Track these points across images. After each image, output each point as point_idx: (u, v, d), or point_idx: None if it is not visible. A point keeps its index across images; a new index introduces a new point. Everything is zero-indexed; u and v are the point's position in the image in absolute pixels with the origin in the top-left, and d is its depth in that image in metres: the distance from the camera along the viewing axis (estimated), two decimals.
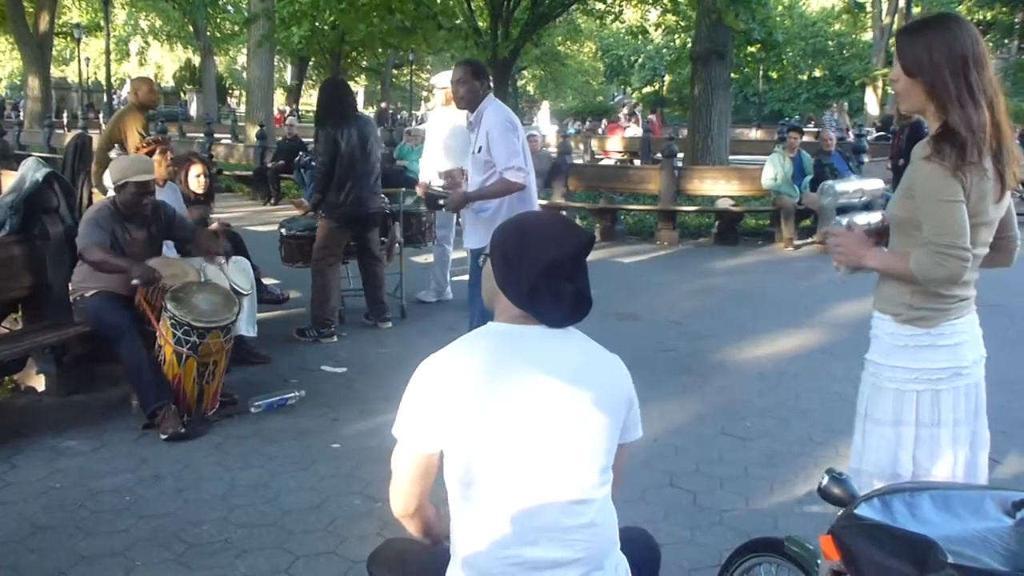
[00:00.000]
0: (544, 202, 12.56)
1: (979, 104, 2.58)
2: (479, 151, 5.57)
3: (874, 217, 3.00)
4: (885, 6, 42.94)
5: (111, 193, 5.65)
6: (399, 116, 36.63)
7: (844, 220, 2.93)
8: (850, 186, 3.07)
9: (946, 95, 2.61)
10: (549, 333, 2.24)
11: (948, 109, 2.62)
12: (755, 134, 35.03)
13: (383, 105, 44.17)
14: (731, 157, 18.26)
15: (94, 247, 5.35)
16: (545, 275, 2.18)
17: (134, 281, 5.27)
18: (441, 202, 5.93)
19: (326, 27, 28.08)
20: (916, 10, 32.35)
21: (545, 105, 40.28)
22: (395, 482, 2.27)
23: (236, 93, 59.68)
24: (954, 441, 2.79)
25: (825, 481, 2.36)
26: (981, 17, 41.63)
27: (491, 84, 5.79)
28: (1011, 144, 2.63)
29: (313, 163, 11.08)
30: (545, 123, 34.89)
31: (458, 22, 22.67)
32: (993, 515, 2.08)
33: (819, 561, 2.45)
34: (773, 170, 12.30)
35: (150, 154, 6.44)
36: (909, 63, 2.68)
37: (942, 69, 2.61)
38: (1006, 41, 44.62)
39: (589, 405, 2.16)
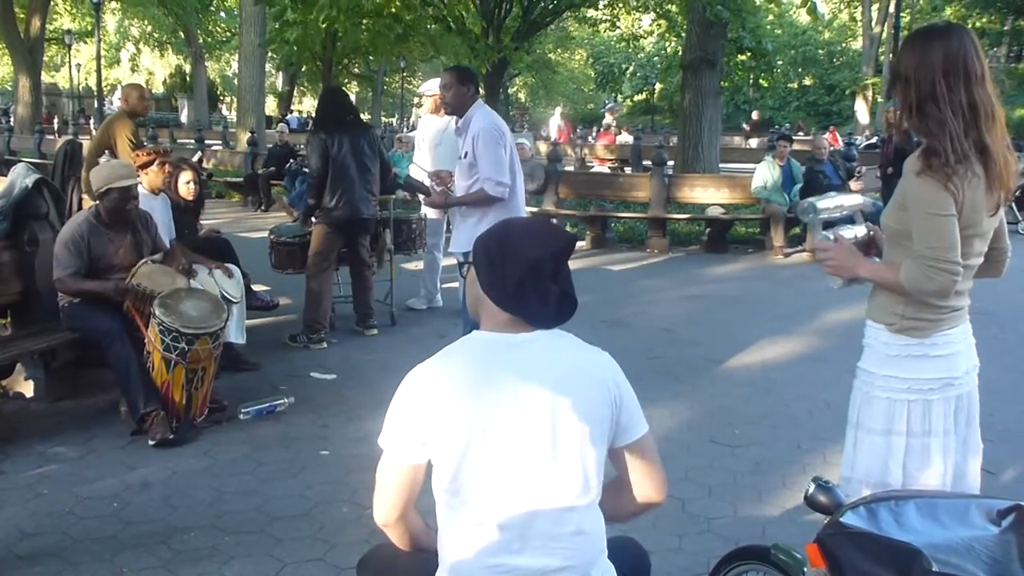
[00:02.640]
0: (534, 209, 12.57)
1: (944, 114, 2.58)
2: (465, 156, 5.59)
3: (859, 230, 3.01)
4: (874, 15, 43.12)
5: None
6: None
7: (831, 234, 2.93)
8: (830, 203, 3.08)
9: (906, 103, 2.65)
10: (534, 339, 2.24)
11: (905, 117, 2.66)
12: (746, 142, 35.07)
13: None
14: (721, 165, 18.29)
15: (66, 279, 5.36)
16: (530, 273, 2.19)
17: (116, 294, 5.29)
18: (422, 198, 5.96)
19: (317, 36, 28.03)
20: (905, 19, 32.50)
21: (557, 111, 40.18)
22: (379, 491, 2.27)
23: (227, 99, 59.65)
24: (944, 451, 2.80)
25: (811, 489, 2.37)
26: (972, 24, 41.77)
27: (479, 90, 5.80)
28: (1000, 159, 2.61)
29: (304, 169, 11.11)
30: (557, 129, 34.85)
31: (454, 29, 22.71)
32: (978, 523, 2.09)
33: (806, 569, 2.47)
34: (763, 178, 12.33)
35: (149, 164, 6.41)
36: (894, 71, 2.73)
37: (911, 78, 2.64)
38: (994, 49, 44.76)
39: (574, 412, 2.16)
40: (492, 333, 2.27)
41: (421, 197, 5.90)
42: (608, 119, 32.72)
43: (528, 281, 2.19)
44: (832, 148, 16.03)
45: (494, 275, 2.24)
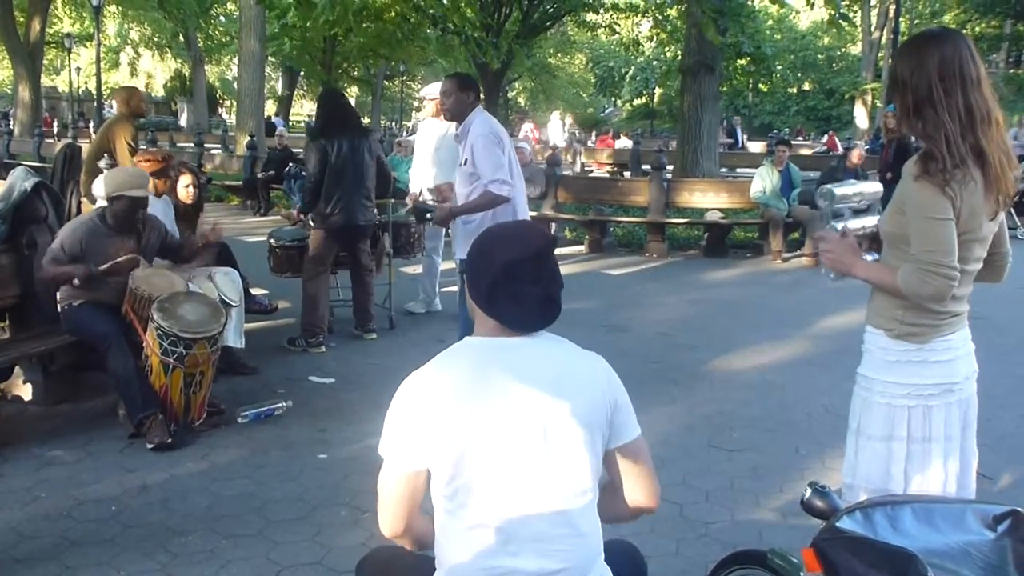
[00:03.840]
0: (533, 214, 12.55)
1: (940, 117, 2.59)
2: (465, 163, 5.59)
3: (869, 222, 2.99)
4: (874, 20, 43.17)
5: (100, 203, 5.63)
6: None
7: (839, 225, 2.92)
8: (849, 190, 3.06)
9: (904, 107, 2.66)
10: (527, 343, 2.25)
11: (903, 121, 2.67)
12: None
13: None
14: (720, 169, 18.31)
15: (45, 265, 5.35)
16: (503, 276, 2.20)
17: (75, 282, 5.26)
18: (428, 216, 5.97)
19: (318, 40, 28.04)
20: (904, 24, 32.51)
21: (555, 115, 40.09)
22: (383, 502, 2.25)
23: (227, 103, 59.67)
24: (945, 456, 2.79)
25: (808, 494, 2.37)
26: (971, 29, 41.79)
27: (479, 96, 5.80)
28: (997, 163, 2.62)
29: (303, 173, 11.11)
30: (556, 134, 34.76)
31: (454, 31, 22.71)
32: (974, 528, 2.09)
33: (802, 574, 2.46)
34: (761, 183, 12.32)
35: (160, 172, 6.41)
36: (892, 77, 2.74)
37: (908, 83, 2.65)
38: (994, 55, 44.79)
39: (569, 414, 2.17)
40: (484, 338, 2.28)
41: (429, 216, 5.93)
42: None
43: (501, 283, 2.20)
44: (832, 153, 16.02)
45: (472, 280, 2.27)
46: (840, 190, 3.03)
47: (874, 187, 3.17)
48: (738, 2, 16.40)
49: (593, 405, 2.23)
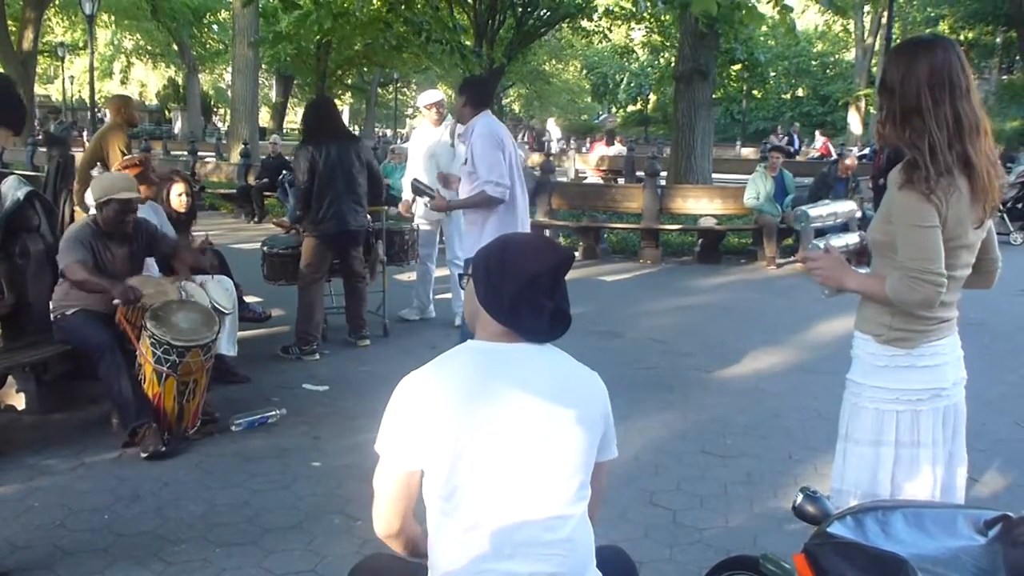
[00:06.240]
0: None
1: (927, 126, 2.59)
2: (466, 163, 5.71)
3: (851, 239, 3.01)
4: (867, 26, 43.24)
5: (93, 212, 5.63)
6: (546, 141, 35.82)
7: (821, 243, 2.94)
8: (823, 210, 3.09)
9: (889, 113, 2.67)
10: (528, 350, 2.26)
11: (888, 126, 2.68)
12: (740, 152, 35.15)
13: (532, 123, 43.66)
14: (715, 175, 18.32)
15: (76, 266, 5.31)
16: (527, 288, 2.21)
17: (115, 301, 5.25)
18: (426, 200, 6.10)
19: (311, 46, 28.06)
20: (896, 30, 32.58)
21: (551, 122, 40.00)
22: (378, 501, 2.26)
23: (221, 111, 59.59)
24: (933, 461, 2.80)
25: (799, 499, 2.38)
26: (964, 37, 41.85)
27: (478, 99, 5.88)
28: (984, 172, 2.62)
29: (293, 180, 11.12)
30: (551, 140, 34.71)
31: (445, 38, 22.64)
32: (965, 533, 2.10)
33: None
34: (755, 189, 12.35)
35: (141, 176, 6.40)
36: (881, 82, 2.75)
37: (896, 91, 2.66)
38: (987, 62, 44.85)
39: (566, 422, 2.18)
40: (487, 342, 2.29)
41: (426, 200, 6.08)
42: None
43: (524, 295, 2.21)
44: (826, 159, 16.01)
45: (491, 289, 2.26)
46: (814, 211, 3.05)
47: (848, 206, 3.20)
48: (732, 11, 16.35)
49: (591, 416, 2.24)
